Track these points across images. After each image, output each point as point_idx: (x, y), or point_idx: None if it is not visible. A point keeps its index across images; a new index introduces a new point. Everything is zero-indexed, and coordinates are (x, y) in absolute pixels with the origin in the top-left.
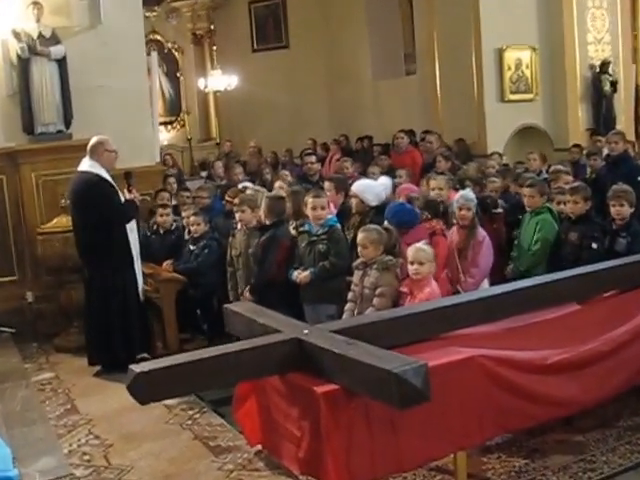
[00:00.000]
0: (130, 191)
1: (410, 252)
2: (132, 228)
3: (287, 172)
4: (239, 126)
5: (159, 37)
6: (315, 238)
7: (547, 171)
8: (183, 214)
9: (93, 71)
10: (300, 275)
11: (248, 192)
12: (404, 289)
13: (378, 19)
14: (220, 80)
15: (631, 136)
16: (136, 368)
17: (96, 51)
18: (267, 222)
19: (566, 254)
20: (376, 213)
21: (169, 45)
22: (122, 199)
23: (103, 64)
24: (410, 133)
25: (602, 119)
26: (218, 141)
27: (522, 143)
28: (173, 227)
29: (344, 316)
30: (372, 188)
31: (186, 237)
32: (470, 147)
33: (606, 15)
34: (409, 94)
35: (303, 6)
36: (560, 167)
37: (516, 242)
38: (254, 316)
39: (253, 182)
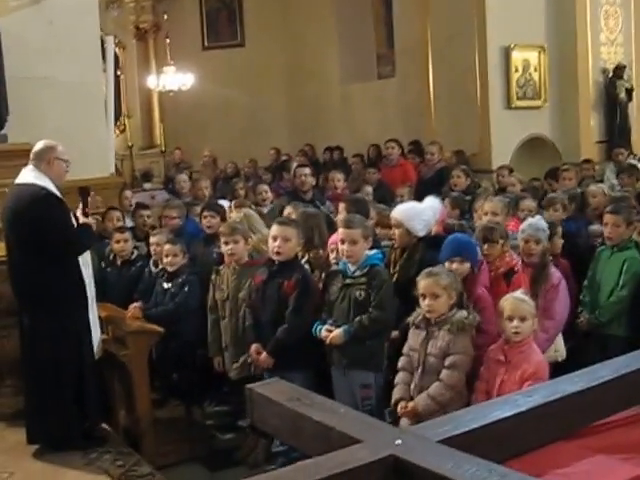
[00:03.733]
0: (85, 213)
1: (507, 305)
2: (86, 261)
3: (266, 187)
4: (186, 132)
5: None
6: (351, 281)
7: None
8: (151, 240)
9: (35, 58)
10: (331, 335)
11: (233, 216)
12: (498, 356)
13: (348, 15)
14: (174, 79)
15: None
16: None
17: (39, 33)
18: (286, 257)
19: None
20: (426, 247)
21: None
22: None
23: (48, 49)
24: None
25: (617, 130)
26: (163, 149)
27: (526, 157)
28: (134, 256)
29: (396, 392)
30: (421, 214)
31: (153, 269)
32: (470, 160)
33: (620, 13)
34: (386, 99)
35: None
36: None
37: (586, 283)
38: (302, 408)
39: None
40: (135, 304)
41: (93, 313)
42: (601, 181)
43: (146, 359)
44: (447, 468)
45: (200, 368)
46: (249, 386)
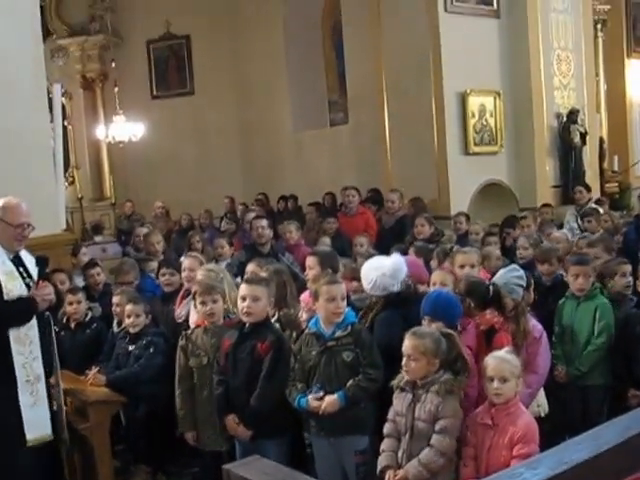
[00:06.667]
0: (38, 285)
1: (489, 364)
2: (27, 337)
3: (223, 242)
4: (137, 183)
5: None
6: (333, 343)
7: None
8: (113, 300)
9: None
10: (325, 403)
11: (201, 273)
12: (484, 420)
13: (298, 62)
14: (124, 129)
15: (597, 192)
16: None
17: None
18: (257, 317)
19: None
20: (385, 305)
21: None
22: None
23: None
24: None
25: (571, 174)
26: (113, 201)
27: (484, 202)
28: (88, 318)
29: (382, 459)
30: (400, 270)
31: (115, 329)
32: (428, 207)
33: (571, 57)
34: (339, 147)
35: (210, 46)
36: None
37: (555, 337)
38: None
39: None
40: (94, 370)
41: (35, 394)
42: (560, 225)
43: (108, 430)
44: None
45: (166, 433)
46: (226, 467)
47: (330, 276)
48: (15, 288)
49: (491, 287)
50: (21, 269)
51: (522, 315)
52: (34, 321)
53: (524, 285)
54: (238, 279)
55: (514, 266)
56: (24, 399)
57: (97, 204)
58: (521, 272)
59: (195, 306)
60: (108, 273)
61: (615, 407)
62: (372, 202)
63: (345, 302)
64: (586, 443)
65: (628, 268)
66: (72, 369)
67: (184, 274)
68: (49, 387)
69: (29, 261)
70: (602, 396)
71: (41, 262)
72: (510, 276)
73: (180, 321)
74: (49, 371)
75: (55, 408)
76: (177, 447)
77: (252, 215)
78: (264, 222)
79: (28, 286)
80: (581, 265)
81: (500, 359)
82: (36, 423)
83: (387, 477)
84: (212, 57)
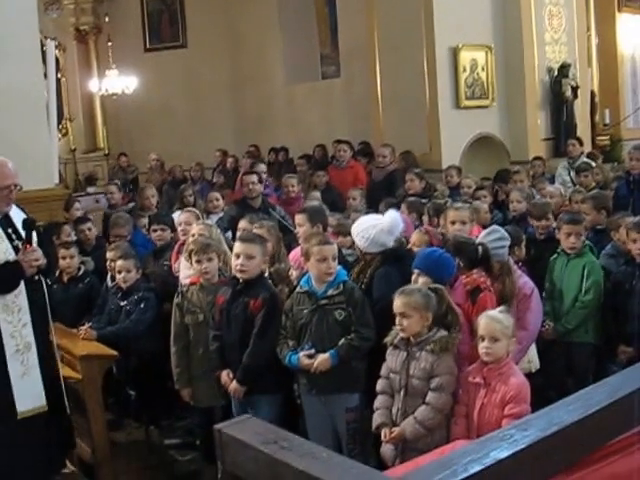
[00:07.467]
0: (26, 248)
1: (481, 323)
2: (15, 305)
3: (217, 195)
4: (130, 135)
5: None
6: (325, 302)
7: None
8: (107, 255)
9: None
10: (317, 361)
11: (196, 228)
12: (476, 379)
13: (291, 15)
14: (117, 82)
15: (588, 146)
16: None
17: None
18: (250, 275)
19: (633, 306)
20: (382, 261)
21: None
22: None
23: None
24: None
25: (563, 127)
26: (107, 152)
27: (475, 156)
28: (81, 272)
29: (377, 417)
30: (397, 226)
31: (110, 284)
32: (420, 160)
33: (562, 12)
34: (331, 100)
35: (203, 0)
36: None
37: (545, 293)
38: (280, 453)
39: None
40: (87, 325)
41: (25, 363)
42: (552, 178)
43: (100, 385)
44: None
45: (158, 386)
46: (218, 426)
47: (322, 236)
48: (0, 252)
49: (480, 247)
50: (10, 230)
51: (508, 275)
52: (22, 287)
53: (505, 244)
54: (229, 233)
55: (492, 228)
56: (13, 369)
57: (90, 155)
58: (500, 233)
59: (191, 264)
60: (101, 224)
61: (604, 366)
62: (362, 155)
63: (336, 262)
64: (577, 404)
65: (631, 219)
66: (64, 323)
67: (180, 228)
68: (41, 355)
69: (20, 220)
70: (588, 354)
71: (27, 225)
72: (489, 240)
73: (178, 275)
74: (42, 337)
75: (58, 372)
76: (169, 401)
77: (263, 167)
78: (254, 177)
79: (17, 249)
80: (574, 224)
81: (491, 318)
82: (27, 394)
83: (383, 435)
84: (205, 10)
